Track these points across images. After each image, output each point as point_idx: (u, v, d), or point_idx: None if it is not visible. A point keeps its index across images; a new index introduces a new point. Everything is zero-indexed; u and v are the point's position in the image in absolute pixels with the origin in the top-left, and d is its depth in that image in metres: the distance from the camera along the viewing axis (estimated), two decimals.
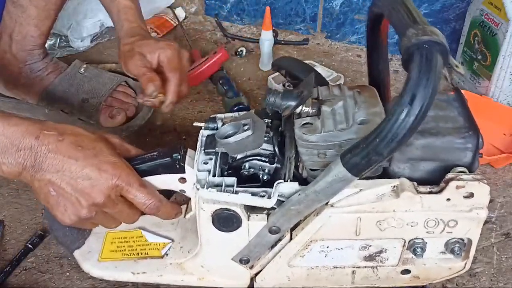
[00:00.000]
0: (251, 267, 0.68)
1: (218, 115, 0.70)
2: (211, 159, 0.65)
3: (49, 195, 0.62)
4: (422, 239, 0.63)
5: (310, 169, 0.61)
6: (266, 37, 1.17)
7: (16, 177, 0.61)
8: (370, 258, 0.65)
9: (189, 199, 0.70)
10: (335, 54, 1.27)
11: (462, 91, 0.66)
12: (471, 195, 0.58)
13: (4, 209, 0.86)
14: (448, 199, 0.58)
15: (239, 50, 1.25)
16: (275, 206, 0.60)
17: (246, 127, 0.62)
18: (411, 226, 0.61)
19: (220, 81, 1.09)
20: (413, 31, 0.50)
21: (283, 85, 0.75)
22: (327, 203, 0.59)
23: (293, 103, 0.61)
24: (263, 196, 0.60)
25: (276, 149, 0.64)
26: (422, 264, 0.66)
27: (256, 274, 0.69)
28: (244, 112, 0.71)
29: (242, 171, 0.65)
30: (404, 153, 0.59)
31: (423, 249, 0.63)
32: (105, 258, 0.73)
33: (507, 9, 0.97)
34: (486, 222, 0.80)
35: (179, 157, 0.65)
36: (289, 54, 1.27)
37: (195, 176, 0.63)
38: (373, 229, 0.61)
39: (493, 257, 0.79)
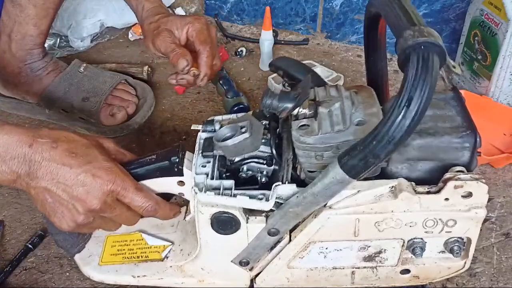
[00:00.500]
0: (250, 269, 0.68)
1: (216, 118, 0.70)
2: (209, 162, 0.65)
3: (45, 202, 0.62)
4: (421, 239, 0.63)
5: (308, 171, 0.61)
6: (266, 37, 1.17)
7: (11, 184, 0.62)
8: (369, 258, 0.65)
9: (188, 201, 0.70)
10: (335, 54, 1.27)
11: (462, 91, 0.66)
12: (469, 194, 0.58)
13: (4, 209, 0.86)
14: (447, 199, 0.58)
15: (239, 50, 1.25)
16: (273, 208, 0.60)
17: (243, 130, 0.62)
18: (410, 226, 0.61)
19: (220, 81, 1.09)
20: (410, 32, 0.50)
21: (283, 85, 0.75)
22: (325, 204, 0.59)
23: (290, 105, 0.61)
24: (261, 199, 0.60)
25: (274, 151, 0.64)
26: (422, 264, 0.66)
27: (256, 276, 0.69)
28: (242, 114, 0.71)
29: (240, 173, 0.65)
30: (402, 154, 0.59)
31: (422, 249, 0.63)
32: (106, 262, 0.73)
33: (507, 9, 0.96)
34: (486, 222, 0.80)
35: (177, 160, 0.65)
36: (289, 54, 1.26)
37: (193, 180, 0.63)
38: (372, 230, 0.61)
39: (493, 257, 0.79)
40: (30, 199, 0.85)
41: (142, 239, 0.75)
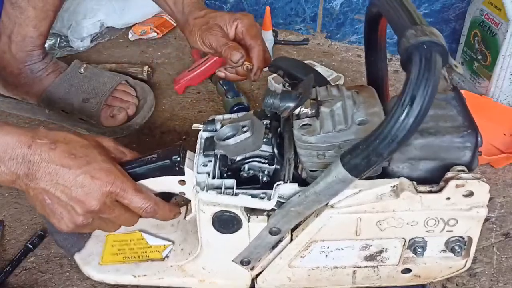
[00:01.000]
0: (252, 269, 0.68)
1: (217, 117, 0.70)
2: (210, 161, 0.64)
3: (44, 203, 0.62)
4: (423, 238, 0.63)
5: (310, 170, 0.61)
6: (266, 37, 1.17)
7: (10, 185, 0.61)
8: (370, 258, 0.65)
9: (189, 200, 0.70)
10: (335, 54, 1.27)
11: (462, 91, 0.66)
12: (470, 193, 0.58)
13: (4, 209, 0.86)
14: (448, 198, 0.58)
15: None
16: (275, 208, 0.60)
17: (245, 129, 0.62)
18: (411, 225, 0.61)
19: (220, 81, 1.09)
20: (412, 32, 0.50)
21: (283, 85, 0.75)
22: (327, 204, 0.59)
23: (291, 104, 0.61)
24: (263, 198, 0.60)
25: (275, 151, 0.64)
26: (423, 263, 0.66)
27: (257, 275, 0.69)
28: (243, 114, 0.71)
29: (242, 173, 0.65)
30: (403, 153, 0.59)
31: (423, 248, 0.63)
32: (106, 262, 0.73)
33: (507, 9, 0.96)
34: (486, 222, 0.80)
35: (178, 159, 0.65)
36: (289, 54, 1.27)
37: (194, 179, 0.63)
38: (373, 229, 0.61)
39: (493, 257, 0.79)
40: None
41: (142, 239, 0.75)
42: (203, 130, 0.69)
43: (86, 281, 0.75)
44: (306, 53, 1.27)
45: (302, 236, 0.63)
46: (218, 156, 0.65)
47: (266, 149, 0.65)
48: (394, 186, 0.59)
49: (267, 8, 1.16)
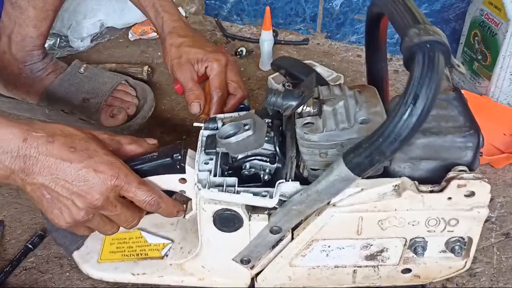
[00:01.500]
0: (252, 267, 0.68)
1: (218, 115, 0.70)
2: (211, 159, 0.64)
3: (43, 198, 0.60)
4: (423, 238, 0.63)
5: (312, 169, 0.61)
6: (266, 37, 1.17)
7: (4, 180, 0.60)
8: (371, 257, 0.65)
9: (189, 199, 0.70)
10: (335, 54, 1.27)
11: (462, 91, 0.66)
12: (472, 193, 0.58)
13: (4, 209, 0.86)
14: (449, 198, 0.58)
15: (239, 50, 1.25)
16: (276, 206, 0.60)
17: (247, 127, 0.62)
18: (413, 225, 0.61)
19: None
20: (415, 31, 0.50)
21: (283, 85, 0.75)
22: (328, 202, 0.59)
23: (294, 103, 0.61)
24: (265, 196, 0.60)
25: (277, 149, 0.64)
26: (423, 263, 0.66)
27: (257, 274, 0.69)
28: (245, 112, 0.71)
29: (243, 171, 0.64)
30: (405, 152, 0.59)
31: (424, 248, 0.63)
32: (105, 260, 0.73)
33: (507, 9, 0.97)
34: (486, 222, 0.80)
35: (179, 157, 0.65)
36: (289, 54, 1.27)
37: (196, 176, 0.62)
38: (375, 228, 0.61)
39: (493, 257, 0.79)
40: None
41: (141, 237, 0.74)
42: (204, 128, 0.69)
43: (86, 281, 0.74)
44: (306, 53, 1.28)
45: (303, 235, 0.63)
46: (220, 154, 0.65)
47: (268, 147, 0.65)
48: (396, 185, 0.59)
49: (267, 8, 1.16)
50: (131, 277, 0.72)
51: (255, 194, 0.60)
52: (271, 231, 0.62)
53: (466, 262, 0.66)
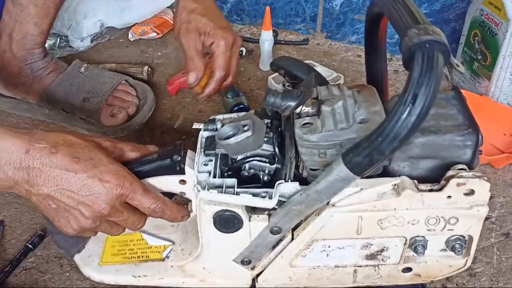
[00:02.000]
0: (252, 268, 0.68)
1: (217, 116, 0.70)
2: (211, 160, 0.64)
3: (49, 208, 0.60)
4: (423, 237, 0.63)
5: (311, 169, 0.61)
6: (266, 37, 1.17)
7: (8, 190, 0.60)
8: (371, 256, 0.65)
9: (189, 200, 0.70)
10: (335, 54, 1.27)
11: (462, 91, 0.66)
12: (471, 192, 0.58)
13: (4, 209, 0.86)
14: (449, 197, 0.58)
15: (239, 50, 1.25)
16: (276, 207, 0.60)
17: (246, 128, 0.62)
18: (412, 224, 0.61)
19: None
20: (415, 31, 0.50)
21: (283, 85, 0.75)
22: (328, 202, 0.59)
23: (293, 103, 0.61)
24: (264, 197, 0.60)
25: (276, 150, 0.64)
26: (423, 262, 0.66)
27: (258, 275, 0.69)
28: (244, 113, 0.71)
29: (243, 172, 0.64)
30: (404, 151, 0.59)
31: (424, 247, 0.63)
32: (106, 262, 0.73)
33: (507, 9, 0.97)
34: (486, 221, 0.80)
35: (179, 158, 0.65)
36: (289, 54, 1.27)
37: (195, 178, 0.62)
38: (375, 227, 0.61)
39: (493, 257, 0.79)
40: None
41: (142, 239, 0.74)
42: (204, 130, 0.69)
43: (86, 281, 0.74)
44: (306, 53, 1.27)
45: (303, 235, 0.63)
46: (219, 155, 0.65)
47: (267, 148, 0.65)
48: (395, 184, 0.59)
49: (267, 8, 1.16)
50: (132, 279, 0.72)
51: (254, 195, 0.60)
52: (271, 232, 0.62)
53: (466, 261, 0.66)
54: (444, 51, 0.49)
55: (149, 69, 1.17)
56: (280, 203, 0.60)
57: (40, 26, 0.98)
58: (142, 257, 0.73)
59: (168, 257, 0.72)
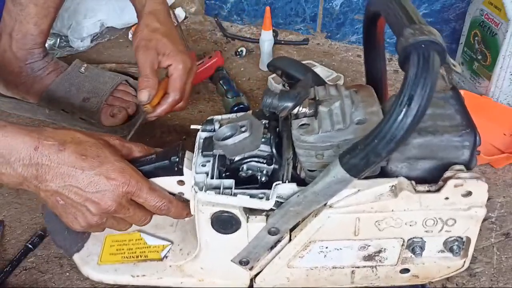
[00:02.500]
0: (250, 268, 0.68)
1: (215, 117, 0.70)
2: (209, 161, 0.65)
3: (57, 204, 0.61)
4: (421, 238, 0.63)
5: (308, 170, 0.61)
6: (266, 37, 1.17)
7: (17, 186, 0.61)
8: (369, 258, 0.65)
9: (188, 200, 0.70)
10: (335, 54, 1.27)
11: (462, 91, 0.66)
12: (469, 193, 0.58)
13: (4, 209, 0.86)
14: (447, 198, 0.58)
15: (239, 50, 1.25)
16: (274, 208, 0.60)
17: (243, 129, 0.62)
18: (410, 225, 0.61)
19: (220, 81, 1.10)
20: (410, 31, 0.50)
21: (283, 85, 0.75)
22: (325, 204, 0.59)
23: (290, 104, 0.61)
24: (261, 198, 0.60)
25: (274, 151, 0.64)
26: (421, 263, 0.66)
27: (256, 275, 0.69)
28: (241, 114, 0.71)
29: (240, 173, 0.65)
30: (401, 152, 0.59)
31: (422, 248, 0.63)
32: (105, 261, 0.73)
33: (507, 9, 0.96)
34: (485, 222, 0.80)
35: (177, 159, 0.65)
36: (289, 54, 1.27)
37: (193, 179, 0.63)
38: (372, 229, 0.61)
39: (493, 257, 0.79)
40: (30, 199, 0.86)
41: (141, 239, 0.75)
42: (202, 130, 0.69)
43: (86, 281, 0.75)
44: (306, 53, 1.27)
45: (300, 236, 0.63)
46: (217, 156, 0.65)
47: (264, 149, 0.65)
48: (392, 185, 0.59)
49: (267, 8, 1.16)
50: (131, 279, 0.72)
51: (252, 196, 0.60)
52: (269, 233, 0.63)
53: (464, 262, 0.66)
54: (440, 51, 0.49)
55: None
56: (278, 204, 0.60)
57: (40, 26, 0.98)
58: (140, 256, 0.73)
59: (166, 257, 0.72)
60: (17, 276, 0.76)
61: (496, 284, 0.75)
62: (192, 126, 0.69)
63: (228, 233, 0.63)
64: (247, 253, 0.65)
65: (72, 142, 0.61)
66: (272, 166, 0.64)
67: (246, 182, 0.64)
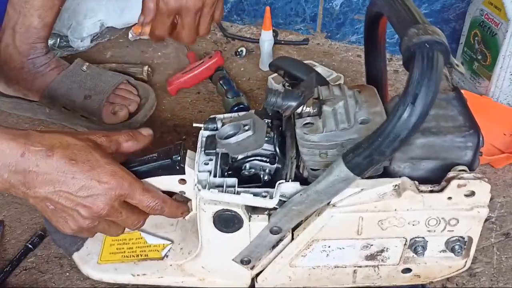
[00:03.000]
0: (252, 268, 0.68)
1: (218, 116, 0.70)
2: (211, 159, 0.64)
3: (46, 209, 0.60)
4: (423, 237, 0.63)
5: (311, 169, 0.61)
6: (266, 37, 1.17)
7: (5, 192, 0.60)
8: (371, 257, 0.65)
9: (189, 200, 0.70)
10: (335, 54, 1.27)
11: (462, 91, 0.66)
12: (472, 193, 0.58)
13: (4, 209, 0.86)
14: (450, 198, 0.58)
15: (239, 50, 1.25)
16: (276, 206, 0.60)
17: (246, 127, 0.62)
18: (413, 225, 0.61)
19: (220, 81, 1.10)
20: (414, 31, 0.50)
21: (283, 85, 0.75)
22: (328, 203, 0.59)
23: (294, 103, 0.61)
24: (265, 197, 0.60)
25: (277, 149, 0.64)
26: (423, 263, 0.66)
27: (257, 275, 0.69)
28: (244, 113, 0.70)
29: (243, 171, 0.65)
30: (405, 152, 0.59)
31: (424, 248, 0.63)
32: (105, 261, 0.73)
33: (507, 9, 0.97)
34: (486, 222, 0.80)
35: (179, 158, 0.65)
36: (289, 54, 1.26)
37: (196, 177, 0.62)
38: (375, 228, 0.61)
39: (493, 257, 0.79)
40: None
41: (141, 238, 0.74)
42: (204, 129, 0.69)
43: (86, 281, 0.74)
44: (306, 53, 1.27)
45: (303, 235, 0.63)
46: (220, 154, 0.65)
47: (267, 148, 0.65)
48: (396, 185, 0.59)
49: (267, 8, 1.16)
50: (131, 278, 0.72)
51: (255, 194, 0.60)
52: (271, 232, 0.62)
53: (466, 262, 0.66)
54: (444, 51, 0.49)
55: (149, 69, 1.17)
56: (281, 203, 0.60)
57: (44, 19, 0.97)
58: (141, 255, 0.73)
59: (167, 256, 0.72)
60: (17, 276, 0.76)
61: (496, 284, 0.75)
62: (195, 124, 0.69)
63: (230, 232, 0.63)
64: (249, 252, 0.65)
65: (60, 146, 0.59)
66: (275, 165, 0.64)
67: (249, 180, 0.64)
